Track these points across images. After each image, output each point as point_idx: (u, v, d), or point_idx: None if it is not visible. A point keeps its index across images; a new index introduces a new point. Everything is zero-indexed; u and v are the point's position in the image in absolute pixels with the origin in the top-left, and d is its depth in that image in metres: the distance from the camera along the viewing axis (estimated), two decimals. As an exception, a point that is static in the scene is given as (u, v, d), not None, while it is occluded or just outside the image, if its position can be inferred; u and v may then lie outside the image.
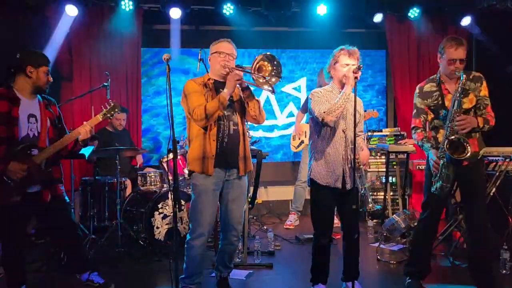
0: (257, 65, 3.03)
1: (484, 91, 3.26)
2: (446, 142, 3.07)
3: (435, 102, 3.29)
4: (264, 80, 3.00)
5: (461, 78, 3.11)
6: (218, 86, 3.21)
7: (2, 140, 3.00)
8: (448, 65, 3.20)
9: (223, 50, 3.22)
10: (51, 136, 3.25)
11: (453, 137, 3.07)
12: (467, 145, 3.03)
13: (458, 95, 3.12)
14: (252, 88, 3.21)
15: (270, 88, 3.02)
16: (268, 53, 3.06)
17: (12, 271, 3.18)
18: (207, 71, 3.37)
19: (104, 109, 3.38)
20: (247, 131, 5.32)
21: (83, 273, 3.48)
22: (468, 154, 3.01)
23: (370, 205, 3.25)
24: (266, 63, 3.05)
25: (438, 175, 3.13)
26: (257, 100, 3.24)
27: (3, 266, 3.17)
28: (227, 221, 3.32)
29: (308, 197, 6.20)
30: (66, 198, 3.38)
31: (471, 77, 3.25)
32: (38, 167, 3.08)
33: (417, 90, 3.40)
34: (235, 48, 3.29)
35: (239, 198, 3.32)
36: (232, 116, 3.24)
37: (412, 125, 3.40)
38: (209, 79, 3.26)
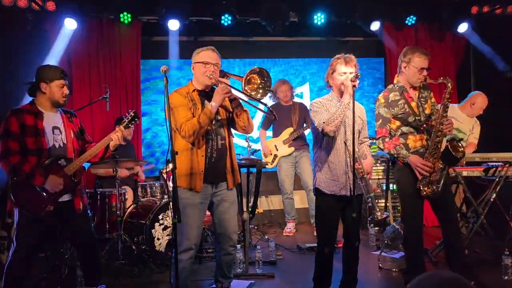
0: (248, 77, 3.00)
1: (433, 98, 3.52)
2: (446, 143, 3.25)
3: (402, 110, 3.41)
4: (254, 93, 3.01)
5: (448, 84, 3.27)
6: (203, 97, 3.17)
7: (32, 151, 3.15)
8: (419, 73, 3.38)
9: (209, 60, 3.16)
10: (75, 147, 3.36)
11: (452, 139, 3.32)
12: (461, 145, 3.28)
13: (445, 100, 3.29)
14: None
15: (258, 97, 3.02)
16: (256, 67, 3.03)
17: (13, 282, 3.15)
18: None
19: (126, 119, 3.42)
20: (247, 141, 5.36)
21: (94, 286, 3.45)
22: (463, 154, 3.25)
23: (379, 214, 3.23)
24: (255, 75, 3.02)
25: (430, 178, 3.27)
26: (245, 110, 3.21)
27: (5, 274, 3.14)
28: (222, 232, 3.31)
29: (300, 206, 6.27)
30: (89, 210, 3.48)
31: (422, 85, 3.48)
32: (69, 178, 3.21)
33: (381, 100, 3.50)
34: (220, 56, 3.24)
35: (231, 209, 3.31)
36: (220, 130, 3.21)
37: (379, 136, 3.49)
38: (193, 90, 3.21)
